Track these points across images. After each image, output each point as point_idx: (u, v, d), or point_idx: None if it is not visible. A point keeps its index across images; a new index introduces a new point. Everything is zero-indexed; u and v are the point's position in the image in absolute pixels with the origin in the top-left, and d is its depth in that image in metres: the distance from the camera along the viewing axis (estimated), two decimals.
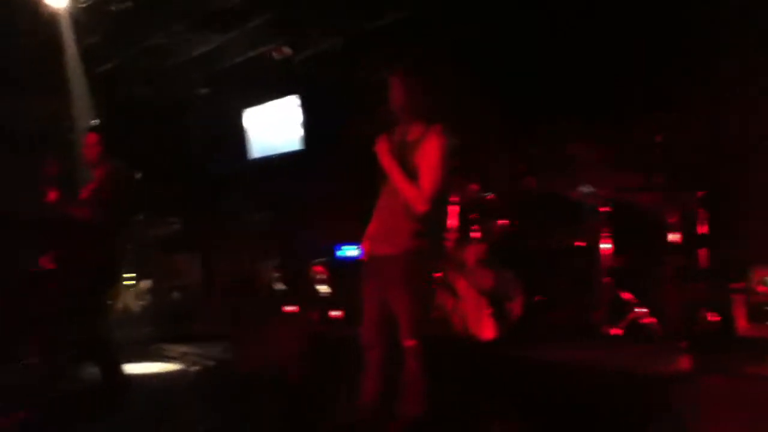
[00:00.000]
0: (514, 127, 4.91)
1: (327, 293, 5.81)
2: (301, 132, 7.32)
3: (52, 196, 4.24)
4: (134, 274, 8.71)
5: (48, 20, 6.71)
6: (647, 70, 4.54)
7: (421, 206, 3.07)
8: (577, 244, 4.42)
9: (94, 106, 7.88)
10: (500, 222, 4.53)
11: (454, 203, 4.58)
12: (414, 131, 3.20)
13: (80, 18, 6.75)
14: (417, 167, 3.10)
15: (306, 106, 7.35)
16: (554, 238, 4.45)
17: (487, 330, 4.05)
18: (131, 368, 5.78)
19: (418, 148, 3.14)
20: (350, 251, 6.29)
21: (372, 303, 3.25)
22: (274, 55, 7.00)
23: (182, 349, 6.50)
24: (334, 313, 5.48)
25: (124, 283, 8.54)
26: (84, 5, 6.57)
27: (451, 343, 4.05)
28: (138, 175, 4.87)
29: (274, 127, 7.68)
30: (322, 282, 5.85)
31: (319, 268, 5.91)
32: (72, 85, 7.51)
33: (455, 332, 4.17)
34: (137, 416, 4.23)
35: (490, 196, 4.70)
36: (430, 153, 3.09)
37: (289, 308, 5.99)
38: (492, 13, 5.21)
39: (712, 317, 3.69)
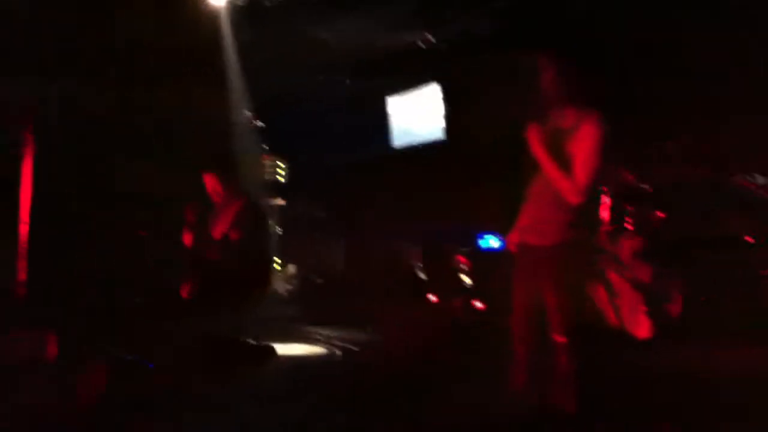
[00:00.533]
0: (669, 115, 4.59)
1: (469, 283, 5.76)
2: (443, 121, 7.28)
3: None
4: (281, 259, 9.15)
5: (208, 17, 7.14)
6: None
7: (574, 197, 2.94)
8: (746, 238, 4.07)
9: (249, 99, 8.34)
10: (658, 214, 4.25)
11: (607, 194, 4.37)
12: (568, 118, 3.06)
13: (238, 14, 7.10)
14: (571, 156, 2.97)
15: (448, 95, 7.30)
16: (719, 231, 4.10)
17: (642, 328, 3.84)
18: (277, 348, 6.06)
19: (572, 135, 3.00)
20: (492, 241, 6.21)
21: (522, 294, 3.16)
22: (419, 43, 7.00)
23: (326, 332, 6.72)
24: (476, 304, 5.42)
25: (274, 266, 8.99)
26: (241, 2, 6.92)
27: (604, 339, 3.87)
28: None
29: (417, 115, 7.69)
30: (464, 272, 5.81)
31: (461, 258, 5.87)
32: (230, 79, 7.96)
33: (609, 328, 3.98)
34: (279, 394, 4.40)
35: (646, 186, 4.43)
36: (585, 141, 2.94)
37: (430, 297, 6.00)
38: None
39: None
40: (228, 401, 3.90)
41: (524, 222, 3.21)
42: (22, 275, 3.52)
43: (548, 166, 3.01)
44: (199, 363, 4.08)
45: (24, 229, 3.53)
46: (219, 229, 4.46)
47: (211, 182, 4.63)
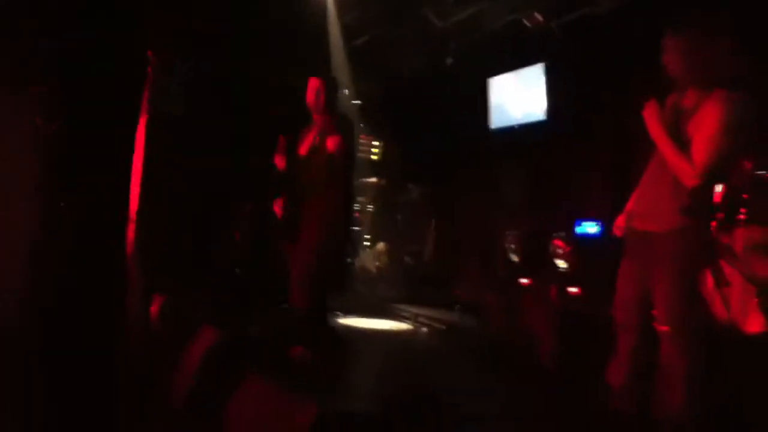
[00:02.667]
0: None
1: (565, 268, 5.62)
2: (545, 101, 7.08)
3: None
4: (372, 236, 9.24)
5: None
6: None
7: (690, 180, 2.76)
8: None
9: (353, 80, 8.40)
10: None
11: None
12: (690, 96, 2.89)
13: None
14: (690, 137, 2.80)
15: (552, 75, 7.09)
16: None
17: (752, 322, 3.61)
18: (366, 323, 6.15)
19: (694, 114, 2.82)
20: (591, 227, 6.02)
21: (629, 282, 3.03)
22: (526, 22, 6.83)
23: (414, 310, 6.76)
24: (571, 289, 5.28)
25: (364, 243, 9.09)
26: None
27: (713, 333, 3.67)
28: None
29: (519, 96, 7.53)
30: (561, 256, 5.68)
31: (558, 242, 5.73)
32: (334, 60, 8.04)
33: (718, 322, 3.77)
34: (367, 368, 4.44)
35: (765, 173, 4.13)
36: (709, 121, 2.74)
37: (524, 280, 5.90)
38: None
39: None
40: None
41: (637, 207, 3.07)
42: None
43: (665, 146, 2.84)
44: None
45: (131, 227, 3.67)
46: (308, 140, 4.24)
47: (315, 86, 4.28)
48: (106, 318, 3.32)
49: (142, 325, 3.61)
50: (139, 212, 3.74)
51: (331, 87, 4.32)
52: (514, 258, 6.46)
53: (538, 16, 6.68)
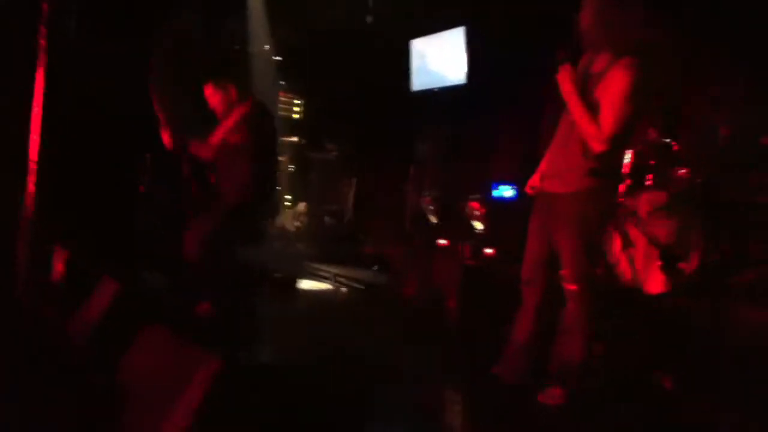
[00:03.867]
0: (709, 69, 4.41)
1: (481, 230, 5.73)
2: (465, 65, 7.11)
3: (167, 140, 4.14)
4: (291, 196, 9.14)
5: None
6: None
7: (598, 145, 2.82)
8: None
9: (270, 31, 8.17)
10: (681, 171, 4.14)
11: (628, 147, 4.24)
12: (600, 61, 2.93)
13: None
14: (598, 101, 2.85)
15: (472, 39, 7.11)
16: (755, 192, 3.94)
17: (655, 283, 3.78)
18: (285, 282, 6.09)
19: (602, 80, 2.87)
20: (506, 191, 6.14)
21: (536, 240, 3.11)
22: None
23: (333, 270, 6.74)
24: (487, 250, 5.39)
25: (284, 203, 8.98)
26: None
27: (616, 292, 3.83)
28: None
29: (439, 59, 7.53)
30: (477, 218, 5.77)
31: (474, 204, 5.82)
32: (251, 9, 7.78)
33: (621, 282, 3.93)
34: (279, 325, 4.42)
35: (672, 142, 4.29)
36: (615, 87, 2.80)
37: (441, 241, 5.98)
38: None
39: None
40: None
41: (546, 168, 3.13)
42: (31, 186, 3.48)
43: (575, 110, 2.88)
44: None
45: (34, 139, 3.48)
46: (217, 134, 4.09)
47: (210, 92, 4.24)
48: None
49: (38, 275, 3.45)
50: (40, 159, 3.55)
51: (225, 87, 4.19)
52: (432, 219, 6.53)
53: None
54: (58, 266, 3.93)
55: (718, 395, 3.01)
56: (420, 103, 7.78)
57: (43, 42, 3.53)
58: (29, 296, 3.32)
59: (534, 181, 3.21)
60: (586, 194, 2.90)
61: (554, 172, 3.06)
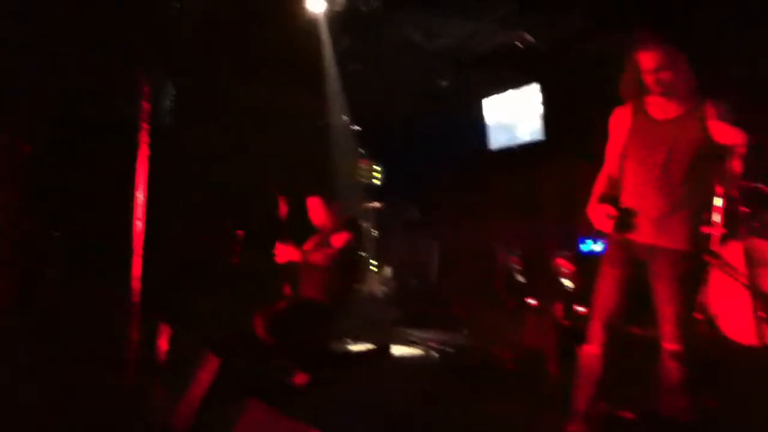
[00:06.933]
0: None
1: (571, 287, 5.61)
2: (541, 121, 7.13)
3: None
4: (377, 261, 9.23)
5: (307, 24, 7.32)
6: None
7: (671, 189, 2.82)
8: None
9: (346, 104, 8.48)
10: None
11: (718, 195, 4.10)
12: (670, 107, 2.91)
13: (336, 20, 7.25)
14: (675, 147, 2.84)
15: (547, 95, 7.15)
16: None
17: (748, 334, 3.59)
18: (377, 351, 6.09)
19: (681, 125, 2.85)
20: (594, 245, 6.02)
21: (615, 293, 2.95)
22: (516, 42, 6.91)
23: (422, 334, 6.72)
24: (578, 308, 5.26)
25: (370, 268, 9.08)
26: (339, 9, 7.05)
27: (711, 346, 3.65)
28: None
29: (515, 116, 7.58)
30: (566, 275, 5.66)
31: (563, 261, 5.72)
32: (328, 84, 8.12)
33: (715, 334, 3.76)
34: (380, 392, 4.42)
35: (762, 186, 4.13)
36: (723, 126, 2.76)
37: (529, 300, 5.89)
38: None
39: None
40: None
41: (635, 216, 3.01)
42: (137, 270, 3.71)
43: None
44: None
45: (138, 227, 3.72)
46: (319, 255, 4.48)
47: (314, 205, 4.68)
48: None
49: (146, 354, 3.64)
50: (145, 245, 3.79)
51: (328, 200, 4.67)
52: (519, 278, 6.45)
53: (528, 36, 6.75)
54: (162, 343, 4.14)
55: None
56: (499, 160, 7.81)
57: (145, 123, 3.82)
58: (138, 376, 3.50)
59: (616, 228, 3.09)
60: (692, 247, 2.82)
61: (643, 221, 2.97)
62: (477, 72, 7.72)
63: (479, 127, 8.03)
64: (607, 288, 2.99)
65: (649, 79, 2.87)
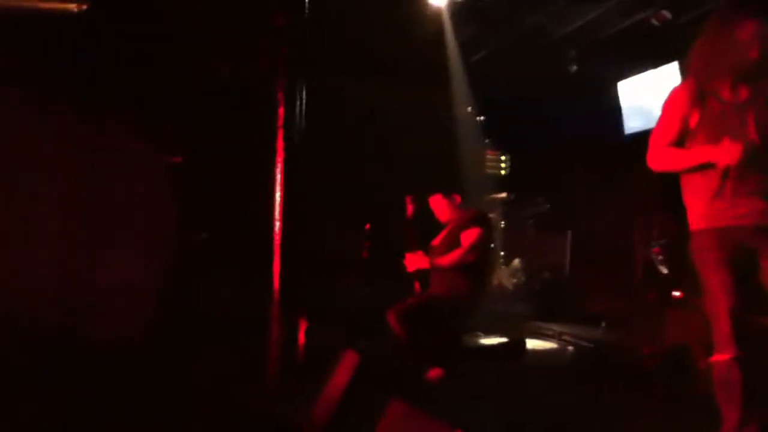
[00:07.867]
0: None
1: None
2: None
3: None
4: (505, 253, 9.07)
5: (430, 16, 7.30)
6: None
7: None
8: None
9: (471, 94, 8.40)
10: None
11: None
12: (741, 90, 2.80)
13: (459, 10, 7.18)
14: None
15: (686, 73, 6.67)
16: None
17: None
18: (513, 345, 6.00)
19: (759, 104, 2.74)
20: None
21: (731, 285, 2.69)
22: (653, 21, 6.51)
23: (557, 327, 6.53)
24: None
25: (499, 261, 8.95)
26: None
27: None
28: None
29: (651, 98, 7.15)
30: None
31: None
32: (452, 76, 8.07)
33: None
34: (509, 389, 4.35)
35: None
36: None
37: (675, 293, 5.53)
38: None
39: None
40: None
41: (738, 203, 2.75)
42: (277, 268, 3.86)
43: None
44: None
45: (277, 226, 3.87)
46: (448, 259, 4.49)
47: (436, 201, 4.71)
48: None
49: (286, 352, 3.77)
50: (282, 241, 3.94)
51: (448, 195, 4.69)
52: (663, 269, 6.07)
53: (666, 13, 6.34)
54: (300, 338, 4.28)
55: None
56: (636, 145, 7.39)
57: (281, 129, 3.97)
58: (279, 373, 3.63)
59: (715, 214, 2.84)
60: None
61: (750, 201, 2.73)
62: (608, 54, 7.36)
63: (612, 112, 7.65)
64: (722, 283, 2.73)
65: (752, 54, 2.71)
